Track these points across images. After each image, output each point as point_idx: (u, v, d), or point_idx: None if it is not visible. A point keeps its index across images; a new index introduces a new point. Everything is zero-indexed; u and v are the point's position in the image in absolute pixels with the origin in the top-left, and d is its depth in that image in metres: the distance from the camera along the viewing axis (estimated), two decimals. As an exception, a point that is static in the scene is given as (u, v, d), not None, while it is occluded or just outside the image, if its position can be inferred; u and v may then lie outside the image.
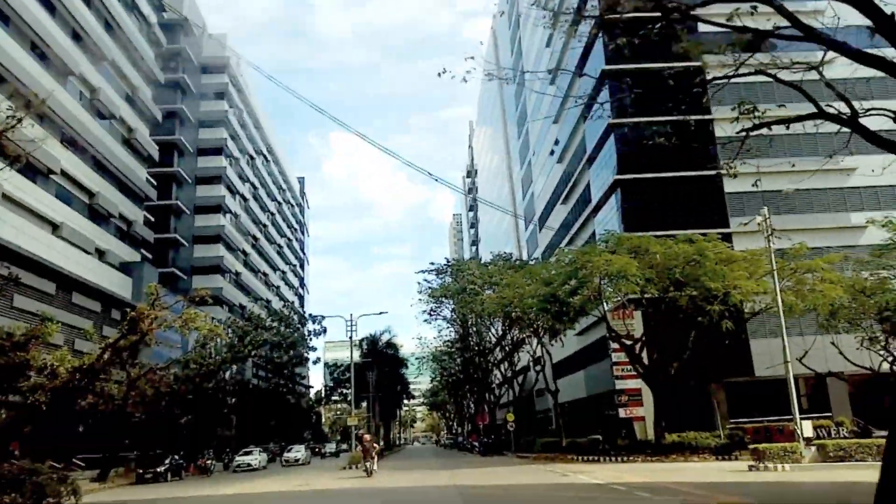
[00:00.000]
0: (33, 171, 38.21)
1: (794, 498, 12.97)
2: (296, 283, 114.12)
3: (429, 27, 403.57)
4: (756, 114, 10.07)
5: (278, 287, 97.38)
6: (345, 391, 74.29)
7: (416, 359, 71.28)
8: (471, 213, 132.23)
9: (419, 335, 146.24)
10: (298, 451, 43.93)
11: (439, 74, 10.64)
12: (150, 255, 57.80)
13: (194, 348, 37.16)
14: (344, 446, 67.67)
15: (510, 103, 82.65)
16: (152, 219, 60.05)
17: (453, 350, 62.62)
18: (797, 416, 21.88)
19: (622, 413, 35.07)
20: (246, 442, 52.60)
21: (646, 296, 30.17)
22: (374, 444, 29.05)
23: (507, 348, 47.13)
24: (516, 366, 49.43)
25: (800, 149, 43.60)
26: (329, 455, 58.96)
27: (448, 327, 56.33)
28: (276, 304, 65.49)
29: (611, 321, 35.66)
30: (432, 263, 48.20)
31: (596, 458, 31.17)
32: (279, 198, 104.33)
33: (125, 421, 33.15)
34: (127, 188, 50.98)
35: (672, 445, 30.36)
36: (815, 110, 10.23)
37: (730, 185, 41.09)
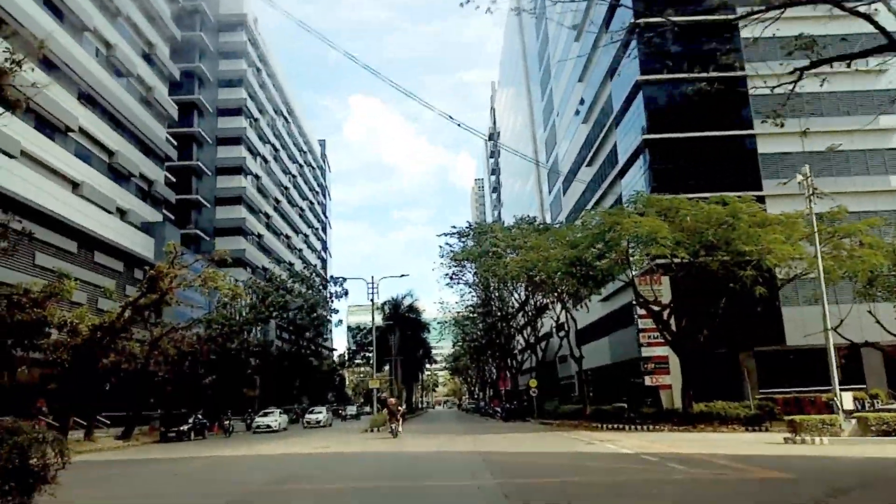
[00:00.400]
0: (51, 128, 37.89)
1: (837, 474, 12.14)
2: (318, 246, 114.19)
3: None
4: (814, 49, 8.89)
5: (301, 250, 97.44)
6: (368, 354, 74.55)
7: (438, 323, 70.95)
8: (493, 178, 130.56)
9: (441, 300, 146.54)
10: (320, 413, 43.80)
11: (461, 4, 9.64)
12: (171, 216, 57.74)
13: (216, 308, 36.98)
14: (367, 409, 68.07)
15: (533, 63, 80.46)
16: (174, 179, 59.90)
17: (475, 315, 62.09)
18: (837, 386, 20.91)
19: (648, 381, 34.27)
20: (269, 403, 52.96)
21: (675, 260, 29.09)
22: (399, 408, 30.50)
23: (530, 313, 46.34)
24: (539, 331, 48.73)
25: (836, 110, 41.73)
26: (350, 418, 58.90)
27: (470, 292, 55.69)
28: (299, 266, 65.20)
29: (638, 287, 34.72)
30: (454, 227, 47.29)
31: (621, 426, 30.53)
32: (300, 160, 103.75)
33: (148, 380, 33.21)
34: (147, 147, 50.64)
35: (700, 415, 29.55)
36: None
37: (764, 146, 39.49)
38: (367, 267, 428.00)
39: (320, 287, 48.82)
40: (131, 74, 48.08)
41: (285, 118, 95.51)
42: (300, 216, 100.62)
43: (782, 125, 11.96)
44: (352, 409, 63.11)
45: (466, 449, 19.17)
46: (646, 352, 35.18)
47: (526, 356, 59.28)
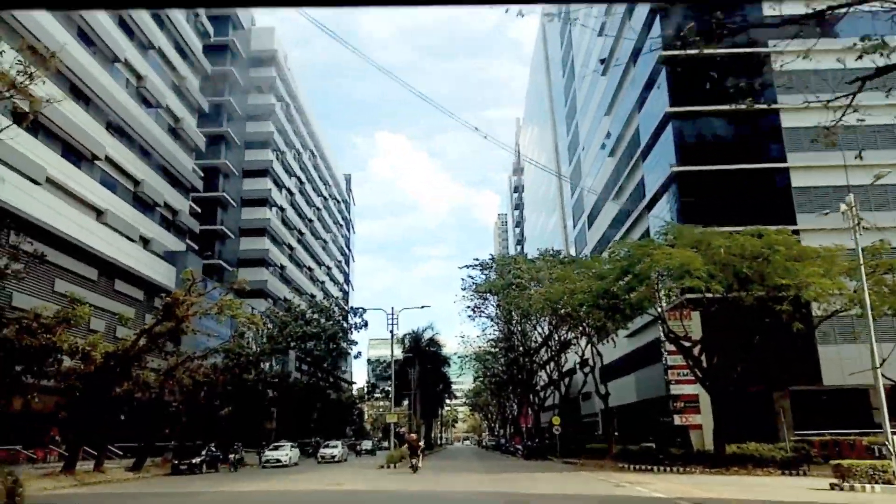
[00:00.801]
0: (78, 155, 38.19)
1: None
2: (341, 279, 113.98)
3: (472, 25, 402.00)
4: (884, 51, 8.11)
5: (323, 282, 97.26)
6: (387, 388, 73.35)
7: (459, 357, 69.61)
8: (516, 212, 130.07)
9: (462, 333, 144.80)
10: (335, 448, 42.46)
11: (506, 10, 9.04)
12: (195, 246, 57.87)
13: (232, 338, 36.39)
14: (385, 444, 66.62)
15: (559, 98, 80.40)
16: (199, 210, 60.19)
17: (497, 349, 60.82)
18: (888, 429, 19.47)
19: (677, 420, 32.80)
20: (286, 436, 51.95)
21: (708, 294, 27.95)
22: (419, 443, 31.64)
23: (554, 348, 45.05)
24: (563, 367, 47.36)
25: (874, 143, 40.53)
26: (365, 453, 56.76)
27: (492, 325, 54.61)
28: (320, 298, 64.68)
29: (667, 321, 33.53)
30: (476, 259, 46.47)
31: (649, 467, 29.07)
32: (325, 193, 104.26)
33: (162, 410, 32.57)
34: (173, 177, 50.96)
35: (733, 457, 28.02)
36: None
37: (797, 179, 38.36)
38: (389, 301, 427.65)
39: (339, 318, 47.85)
40: (160, 106, 48.67)
41: (311, 152, 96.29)
42: (323, 248, 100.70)
43: (834, 144, 11.19)
44: (367, 444, 60.81)
45: (487, 489, 18.06)
46: (675, 389, 33.79)
47: (549, 392, 57.70)
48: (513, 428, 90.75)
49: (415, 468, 27.79)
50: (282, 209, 77.98)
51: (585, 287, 27.54)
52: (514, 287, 38.31)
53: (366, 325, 54.01)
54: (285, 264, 77.51)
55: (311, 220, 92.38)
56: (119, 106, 41.95)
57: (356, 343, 70.69)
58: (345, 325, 52.04)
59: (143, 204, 46.00)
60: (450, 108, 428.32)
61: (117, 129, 42.93)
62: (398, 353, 73.67)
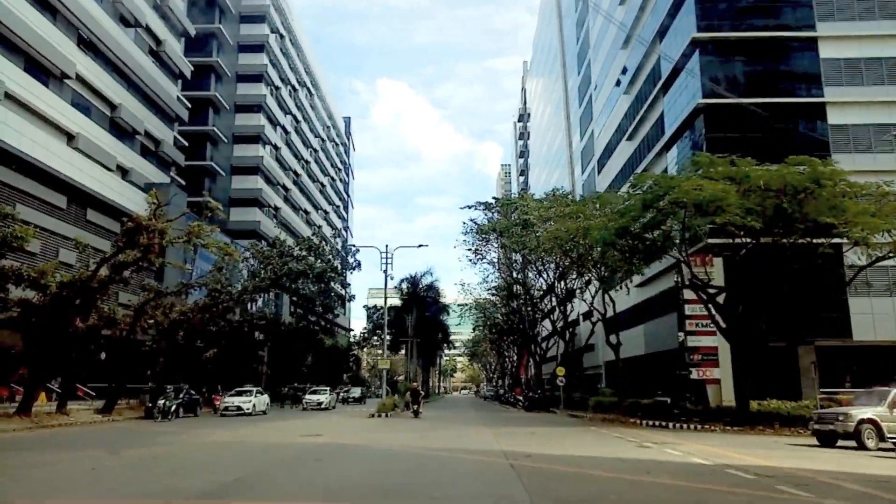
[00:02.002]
0: (44, 71, 34.64)
1: None
2: (339, 224, 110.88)
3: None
4: None
5: (320, 227, 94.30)
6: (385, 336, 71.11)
7: (459, 305, 66.98)
8: (521, 161, 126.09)
9: (462, 281, 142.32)
10: (323, 394, 39.51)
11: None
12: (182, 181, 54.57)
13: (209, 273, 33.29)
14: (380, 391, 64.43)
15: (570, 36, 75.80)
16: (185, 143, 56.74)
17: (498, 296, 58.18)
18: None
19: (695, 374, 30.16)
20: (279, 382, 49.74)
21: (737, 239, 24.94)
22: (421, 391, 34.68)
23: (559, 296, 42.17)
24: (568, 317, 44.52)
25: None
26: (352, 401, 52.04)
27: (494, 272, 51.76)
28: (310, 235, 61.06)
29: (685, 268, 30.65)
30: (479, 201, 42.97)
31: (663, 423, 26.57)
32: (323, 134, 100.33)
33: (134, 349, 29.97)
34: (155, 105, 47.44)
35: (757, 415, 25.51)
36: None
37: (835, 116, 34.89)
38: (390, 254, 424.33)
39: (330, 257, 44.59)
40: (140, 25, 44.72)
41: (308, 90, 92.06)
42: (321, 191, 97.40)
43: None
44: (356, 392, 55.61)
45: (488, 447, 15.34)
46: (692, 341, 31.02)
47: (552, 343, 55.35)
48: (511, 379, 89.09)
49: (416, 413, 31.59)
50: (276, 147, 74.45)
51: (601, 224, 24.45)
52: (519, 226, 35.21)
53: (358, 265, 51.12)
54: (280, 206, 74.43)
55: (307, 162, 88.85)
56: (91, 20, 38.16)
57: (349, 285, 67.83)
58: (336, 265, 48.83)
59: (121, 131, 42.60)
60: (454, 56, 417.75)
61: (90, 47, 39.21)
62: (396, 300, 71.19)
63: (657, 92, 42.42)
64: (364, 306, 77.82)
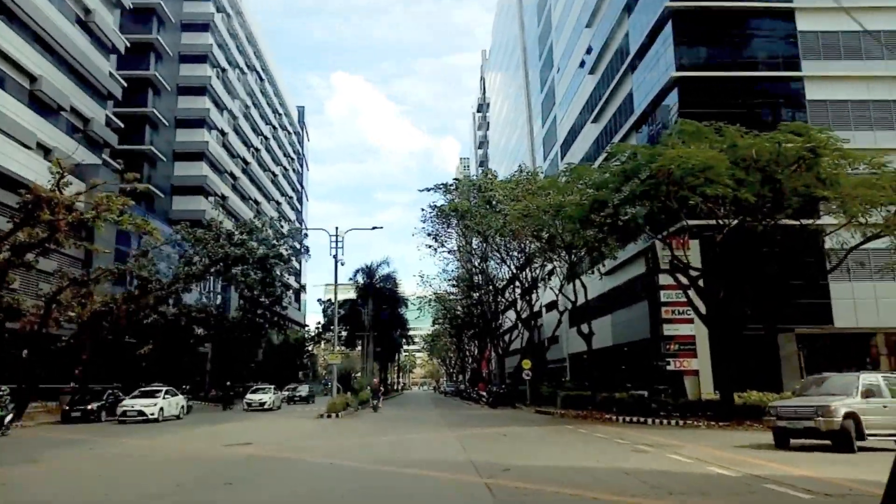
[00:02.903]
0: (-57, 32, 30.45)
1: None
2: (292, 216, 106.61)
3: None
4: None
5: (272, 218, 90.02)
6: (340, 331, 67.71)
7: (418, 298, 63.97)
8: (480, 151, 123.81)
9: (420, 272, 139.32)
10: (266, 393, 35.38)
11: None
12: (118, 165, 50.23)
13: (132, 257, 29.27)
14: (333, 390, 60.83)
15: (531, 19, 73.60)
16: (121, 124, 52.35)
17: (458, 288, 55.49)
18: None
19: (673, 365, 28.06)
20: (224, 380, 46.05)
21: (722, 218, 22.81)
22: (380, 388, 37.59)
23: (525, 284, 39.62)
24: (534, 307, 41.99)
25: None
26: (299, 400, 45.93)
27: (453, 261, 48.98)
28: (251, 218, 56.40)
29: (660, 252, 28.50)
30: (438, 184, 39.86)
31: (642, 419, 24.39)
32: (274, 122, 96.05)
33: (47, 344, 26.29)
34: (84, 80, 43.22)
35: (742, 408, 23.50)
36: None
37: (813, 91, 33.22)
38: (349, 246, 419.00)
39: (274, 242, 40.50)
40: (63, -11, 40.49)
41: (259, 75, 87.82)
42: (273, 182, 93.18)
43: None
44: (303, 390, 49.05)
45: (454, 457, 12.53)
46: (668, 330, 28.95)
47: (515, 335, 53.01)
48: (472, 374, 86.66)
49: (375, 408, 33.23)
50: (223, 133, 70.27)
51: (576, 200, 21.92)
52: (482, 207, 32.54)
53: (307, 251, 47.58)
54: (227, 194, 70.27)
55: (257, 150, 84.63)
56: (3, -21, 34.01)
57: (297, 272, 63.57)
58: (282, 251, 44.99)
59: (42, 105, 38.43)
60: (413, 53, 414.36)
61: (3, 10, 34.99)
62: (351, 293, 67.81)
63: (625, 69, 40.34)
64: (318, 300, 74.25)
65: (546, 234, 26.62)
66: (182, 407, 29.10)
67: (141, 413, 25.41)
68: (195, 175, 63.11)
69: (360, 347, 67.56)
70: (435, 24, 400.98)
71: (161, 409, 26.32)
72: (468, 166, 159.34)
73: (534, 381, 37.62)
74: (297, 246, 49.19)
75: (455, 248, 45.53)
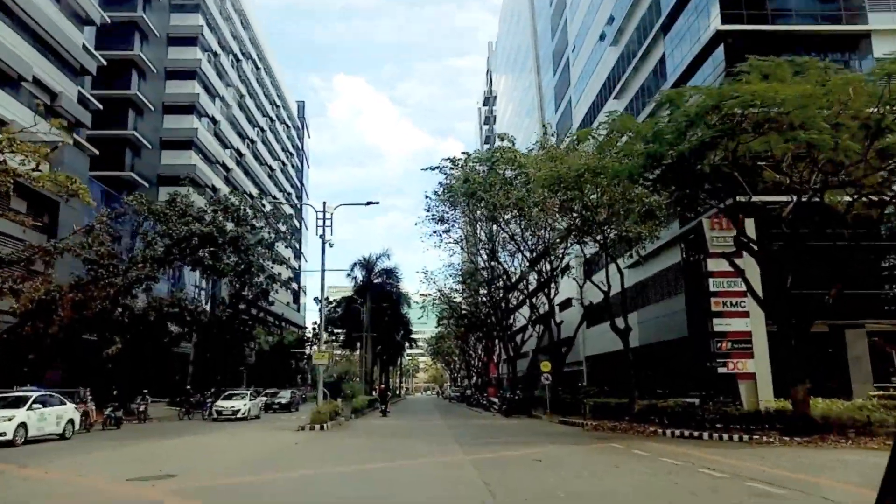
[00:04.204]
0: None
1: None
2: (291, 213, 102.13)
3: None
4: None
5: (248, 194, 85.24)
6: (337, 331, 63.09)
7: (422, 296, 59.21)
8: (486, 147, 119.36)
9: (424, 268, 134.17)
10: (240, 400, 30.43)
11: None
12: (95, 151, 45.83)
13: (73, 234, 24.14)
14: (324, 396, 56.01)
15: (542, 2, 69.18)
16: (99, 106, 47.97)
17: (464, 284, 50.85)
18: None
19: (726, 367, 23.45)
20: (210, 384, 41.54)
21: (789, 189, 18.22)
22: (388, 392, 39.14)
23: (546, 273, 34.84)
24: (554, 302, 37.19)
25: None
26: (279, 408, 38.03)
27: (459, 252, 44.30)
28: (226, 193, 50.90)
29: (708, 232, 24.00)
30: (446, 158, 34.85)
31: (696, 433, 19.80)
32: (272, 114, 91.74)
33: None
34: (53, 51, 38.88)
35: (822, 420, 18.94)
36: None
37: (881, 47, 28.60)
38: (347, 251, 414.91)
39: (254, 222, 35.20)
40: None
41: (255, 64, 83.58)
42: (269, 176, 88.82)
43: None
44: (284, 396, 40.39)
45: (479, 495, 7.92)
46: (718, 325, 24.26)
47: (527, 336, 48.31)
48: (478, 378, 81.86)
49: (384, 412, 33.80)
50: (214, 121, 65.96)
51: (627, 150, 17.29)
52: (498, 184, 27.93)
53: (293, 234, 42.74)
54: (219, 187, 65.90)
55: (253, 141, 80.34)
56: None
57: (285, 262, 58.51)
58: (265, 234, 39.84)
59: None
60: (415, 55, 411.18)
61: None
62: (349, 291, 63.15)
63: (656, 33, 35.77)
64: (315, 298, 69.46)
65: (578, 205, 21.87)
66: (73, 423, 20.47)
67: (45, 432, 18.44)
68: (183, 164, 58.76)
69: (359, 350, 63.05)
70: (437, 26, 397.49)
71: (62, 423, 19.42)
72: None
73: (554, 385, 32.97)
74: (283, 229, 44.44)
75: (462, 238, 40.82)
